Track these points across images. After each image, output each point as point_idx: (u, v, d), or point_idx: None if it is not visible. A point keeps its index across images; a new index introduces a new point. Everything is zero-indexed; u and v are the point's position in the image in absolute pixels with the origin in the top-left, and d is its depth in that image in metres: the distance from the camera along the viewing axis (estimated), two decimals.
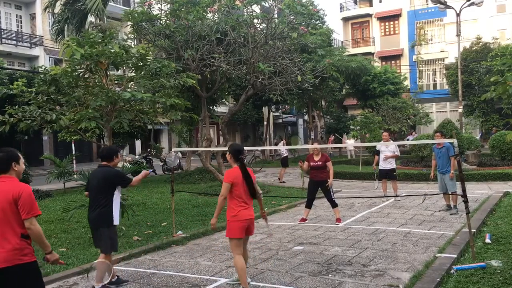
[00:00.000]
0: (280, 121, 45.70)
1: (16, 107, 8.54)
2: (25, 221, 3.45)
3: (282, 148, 18.24)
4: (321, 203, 10.54)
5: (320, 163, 8.63)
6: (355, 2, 43.76)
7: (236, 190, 4.97)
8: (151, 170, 5.98)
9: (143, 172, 5.73)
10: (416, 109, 29.09)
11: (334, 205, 8.74)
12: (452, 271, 5.45)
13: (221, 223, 8.80)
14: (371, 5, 41.45)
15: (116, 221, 5.33)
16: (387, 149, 11.32)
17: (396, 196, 11.22)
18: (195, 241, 7.64)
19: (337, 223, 8.57)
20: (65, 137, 14.96)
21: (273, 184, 15.66)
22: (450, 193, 9.15)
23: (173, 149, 10.36)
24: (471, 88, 30.85)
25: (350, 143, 26.39)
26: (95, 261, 5.82)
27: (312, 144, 28.13)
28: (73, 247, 7.22)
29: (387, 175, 11.44)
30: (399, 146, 13.51)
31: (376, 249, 6.71)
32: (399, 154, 11.93)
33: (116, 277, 5.50)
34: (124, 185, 5.48)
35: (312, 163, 8.69)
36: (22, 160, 3.70)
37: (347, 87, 31.10)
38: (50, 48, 27.31)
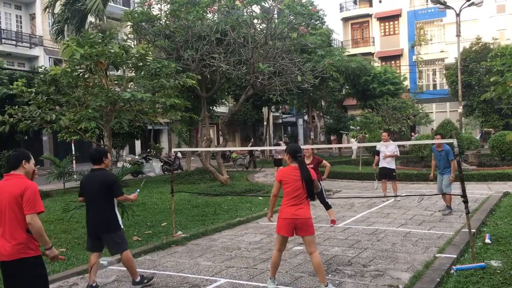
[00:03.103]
0: (280, 121, 45.70)
1: (16, 107, 8.54)
2: (26, 216, 3.57)
3: (278, 150, 18.10)
4: (320, 203, 10.53)
5: (311, 165, 8.54)
6: (355, 2, 43.76)
7: (285, 188, 5.01)
8: (137, 190, 5.80)
9: (134, 195, 5.58)
10: (416, 109, 29.10)
11: (328, 207, 8.68)
12: (452, 271, 5.45)
13: (220, 223, 8.82)
14: (371, 5, 41.45)
15: (121, 224, 5.35)
16: (387, 149, 11.33)
17: (396, 196, 11.23)
18: (195, 241, 7.64)
19: (331, 224, 8.54)
20: (65, 137, 14.97)
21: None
22: (442, 193, 9.15)
23: (173, 150, 10.33)
24: (471, 88, 30.85)
25: (354, 143, 26.40)
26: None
27: (312, 143, 28.17)
28: (73, 247, 7.22)
29: (386, 175, 11.44)
30: (399, 146, 13.51)
31: (376, 249, 6.71)
32: (398, 154, 11.93)
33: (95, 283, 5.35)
34: (115, 196, 5.24)
35: None
36: (32, 161, 3.91)
37: (347, 87, 31.10)
38: (50, 48, 27.30)
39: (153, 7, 14.26)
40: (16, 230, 3.60)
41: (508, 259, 5.74)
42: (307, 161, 8.58)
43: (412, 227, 8.16)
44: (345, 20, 42.64)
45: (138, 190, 5.86)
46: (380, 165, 11.47)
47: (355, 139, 25.65)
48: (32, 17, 28.97)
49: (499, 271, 5.31)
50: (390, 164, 11.32)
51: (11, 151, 13.20)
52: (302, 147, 6.55)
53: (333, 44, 30.45)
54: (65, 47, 7.88)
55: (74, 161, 17.97)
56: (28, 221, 3.57)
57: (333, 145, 26.63)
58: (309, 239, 5.00)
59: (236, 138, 41.61)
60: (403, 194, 11.61)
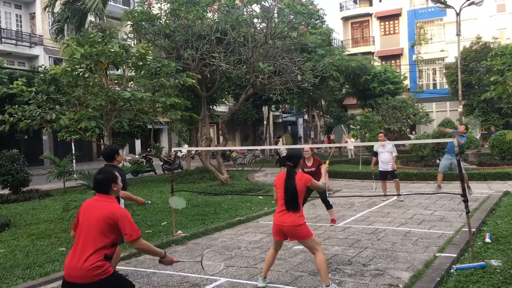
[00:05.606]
0: (280, 120, 45.70)
1: (16, 106, 8.54)
2: (131, 243, 3.50)
3: (282, 148, 18.18)
4: (321, 202, 10.53)
5: (313, 168, 8.41)
6: (355, 2, 43.74)
7: (277, 193, 5.06)
8: (148, 201, 5.89)
9: (142, 200, 5.62)
10: (416, 108, 29.09)
11: (328, 206, 8.64)
12: (452, 270, 5.45)
13: (220, 222, 8.83)
14: (371, 5, 41.44)
15: None
16: (385, 149, 11.27)
17: (399, 195, 11.10)
18: (195, 241, 7.64)
19: (331, 223, 8.52)
20: (65, 137, 14.99)
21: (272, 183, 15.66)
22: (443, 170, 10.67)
23: (173, 149, 10.33)
24: (471, 88, 30.86)
25: (350, 143, 26.42)
26: None
27: (312, 143, 28.17)
28: None
29: (387, 176, 11.38)
30: (397, 146, 13.48)
31: (376, 249, 6.71)
32: (396, 154, 11.81)
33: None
34: None
35: (305, 169, 8.46)
36: (119, 179, 3.71)
37: (347, 86, 31.08)
38: (50, 48, 27.30)
39: (153, 7, 14.26)
40: (94, 252, 3.41)
41: (508, 258, 5.74)
42: (308, 164, 8.45)
43: (412, 226, 8.16)
44: (345, 19, 42.63)
45: (149, 201, 5.87)
46: (379, 168, 11.42)
47: (355, 138, 25.64)
48: (32, 16, 28.97)
49: (499, 270, 5.31)
50: (389, 165, 11.24)
51: (12, 150, 13.24)
52: (302, 146, 6.59)
53: (333, 44, 30.44)
54: (65, 46, 7.89)
55: (74, 161, 17.98)
56: (135, 247, 3.54)
57: (330, 145, 26.64)
58: (306, 244, 4.98)
59: (236, 138, 41.60)
60: (404, 193, 11.59)
